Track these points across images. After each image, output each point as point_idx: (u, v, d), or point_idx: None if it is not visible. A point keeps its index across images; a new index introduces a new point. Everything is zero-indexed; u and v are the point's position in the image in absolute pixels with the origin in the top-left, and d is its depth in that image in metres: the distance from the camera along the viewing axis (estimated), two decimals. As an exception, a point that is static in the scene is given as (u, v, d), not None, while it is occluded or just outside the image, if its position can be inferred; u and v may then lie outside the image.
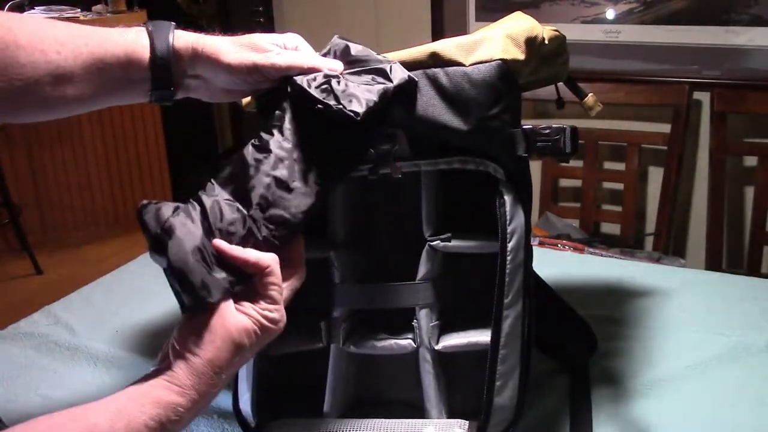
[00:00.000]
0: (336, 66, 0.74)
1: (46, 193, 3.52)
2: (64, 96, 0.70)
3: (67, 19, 2.85)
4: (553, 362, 0.97)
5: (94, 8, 3.12)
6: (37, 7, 2.88)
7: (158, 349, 0.65)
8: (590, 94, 0.93)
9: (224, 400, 0.89)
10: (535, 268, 0.88)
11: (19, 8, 2.87)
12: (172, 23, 0.74)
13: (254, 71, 0.73)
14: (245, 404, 0.82)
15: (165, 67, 0.72)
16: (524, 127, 0.75)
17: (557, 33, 0.86)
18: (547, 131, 0.73)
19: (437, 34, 2.28)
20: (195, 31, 0.75)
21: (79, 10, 2.98)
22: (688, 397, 0.89)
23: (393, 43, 0.85)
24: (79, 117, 3.59)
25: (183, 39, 0.73)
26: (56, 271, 3.17)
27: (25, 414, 0.89)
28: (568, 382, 0.93)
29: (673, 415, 0.85)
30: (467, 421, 0.76)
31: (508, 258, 0.73)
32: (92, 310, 1.19)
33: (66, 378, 1.01)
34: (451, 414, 0.82)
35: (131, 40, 0.72)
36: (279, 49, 0.74)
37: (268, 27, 2.58)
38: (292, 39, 0.77)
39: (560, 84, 0.98)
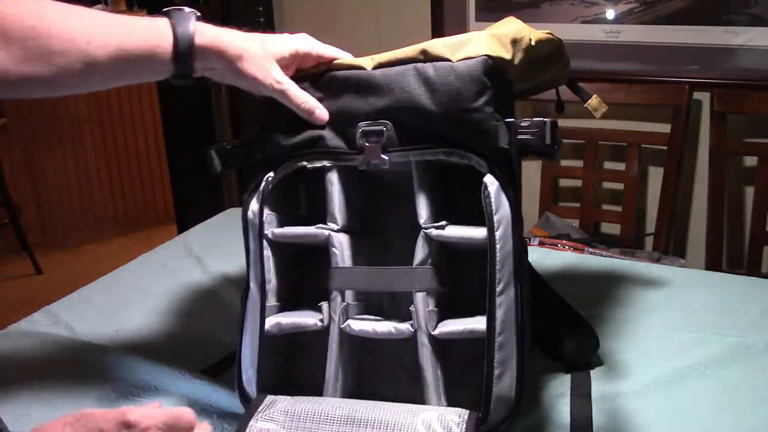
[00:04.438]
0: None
1: (46, 193, 3.52)
2: (91, 80, 0.76)
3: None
4: (553, 362, 0.97)
5: (94, 8, 3.12)
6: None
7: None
8: (594, 96, 0.94)
9: (224, 399, 0.89)
10: (535, 268, 0.88)
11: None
12: (194, 14, 0.79)
13: (266, 92, 0.81)
14: (248, 382, 0.84)
15: (186, 62, 0.78)
16: (506, 120, 0.78)
17: (550, 36, 0.87)
18: (527, 123, 0.77)
19: (437, 35, 2.28)
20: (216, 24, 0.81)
21: (79, 10, 2.98)
22: (688, 397, 0.89)
23: (393, 43, 0.86)
24: (79, 117, 3.60)
25: (205, 36, 0.78)
26: (56, 271, 3.18)
27: (25, 414, 0.89)
28: (568, 382, 0.93)
29: (673, 415, 0.85)
30: (467, 411, 0.76)
31: (497, 247, 0.75)
32: (92, 310, 1.19)
33: (66, 378, 1.01)
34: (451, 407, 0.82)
35: (155, 36, 0.77)
36: (291, 83, 0.82)
37: (268, 27, 2.58)
38: (305, 43, 0.83)
39: (562, 87, 0.99)
